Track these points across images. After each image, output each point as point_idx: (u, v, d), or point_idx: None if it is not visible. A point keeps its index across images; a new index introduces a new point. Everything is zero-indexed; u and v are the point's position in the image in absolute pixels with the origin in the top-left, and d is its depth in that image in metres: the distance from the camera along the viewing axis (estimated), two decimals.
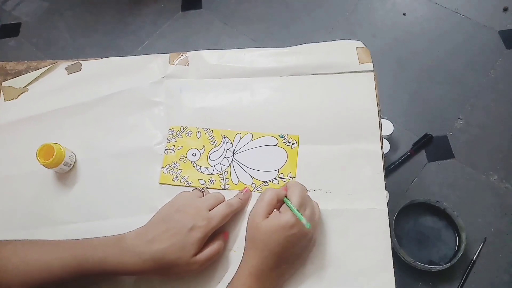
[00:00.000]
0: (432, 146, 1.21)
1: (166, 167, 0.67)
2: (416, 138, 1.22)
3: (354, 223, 0.60)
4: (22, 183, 0.69)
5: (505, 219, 1.09)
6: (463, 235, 1.02)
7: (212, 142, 0.69)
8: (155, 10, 1.63)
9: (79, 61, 0.77)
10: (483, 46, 1.39)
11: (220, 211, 0.55)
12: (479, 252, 1.05)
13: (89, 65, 0.77)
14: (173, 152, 0.68)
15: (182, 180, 0.66)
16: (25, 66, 0.80)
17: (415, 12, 1.50)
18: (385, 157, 1.16)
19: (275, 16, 1.56)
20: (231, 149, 0.68)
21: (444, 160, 1.19)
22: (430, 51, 1.40)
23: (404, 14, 1.49)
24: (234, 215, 0.58)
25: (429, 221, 1.09)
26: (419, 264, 0.99)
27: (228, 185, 0.64)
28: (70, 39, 1.61)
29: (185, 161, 0.68)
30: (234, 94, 0.72)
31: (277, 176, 0.63)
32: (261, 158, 0.66)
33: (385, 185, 0.62)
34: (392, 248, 0.93)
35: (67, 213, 0.66)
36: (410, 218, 1.09)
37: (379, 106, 0.67)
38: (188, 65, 0.74)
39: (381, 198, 0.61)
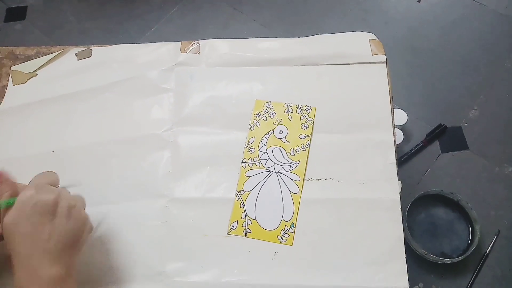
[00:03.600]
0: (445, 137, 1.19)
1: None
2: (430, 128, 1.19)
3: (365, 213, 0.60)
4: (28, 165, 0.67)
5: None
6: (477, 228, 1.01)
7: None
8: None
9: (90, 47, 0.76)
10: (499, 34, 1.36)
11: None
12: (492, 245, 1.03)
13: (99, 52, 0.77)
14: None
15: None
16: (34, 51, 0.79)
17: None
18: (398, 147, 1.14)
19: (286, 1, 1.52)
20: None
21: (457, 151, 1.17)
22: (444, 39, 1.37)
23: (419, 1, 1.45)
24: None
25: (442, 213, 1.08)
26: (431, 256, 0.98)
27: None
28: (76, 22, 1.58)
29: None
30: (245, 83, 0.71)
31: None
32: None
33: (398, 175, 0.61)
34: (404, 240, 0.93)
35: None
36: (422, 209, 1.08)
37: (391, 96, 0.67)
38: (199, 53, 0.73)
39: (393, 187, 0.61)
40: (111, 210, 0.64)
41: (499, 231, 1.05)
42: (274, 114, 0.68)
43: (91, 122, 0.71)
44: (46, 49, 0.79)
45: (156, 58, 0.74)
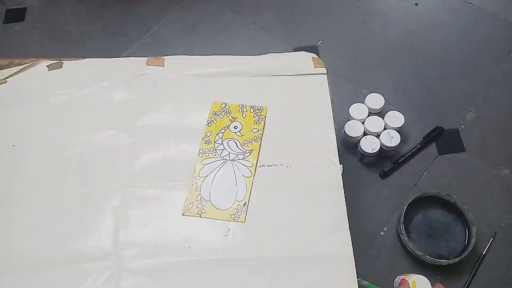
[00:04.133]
0: (442, 139, 1.20)
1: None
2: (427, 131, 1.20)
3: (312, 192, 0.68)
4: None
5: None
6: (473, 230, 1.01)
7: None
8: None
9: (61, 60, 0.83)
10: (497, 37, 1.37)
11: None
12: (489, 247, 1.04)
13: (70, 64, 0.83)
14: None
15: None
16: (7, 61, 0.86)
17: (428, 2, 1.47)
18: (395, 149, 1.14)
19: (284, 4, 1.53)
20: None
21: (454, 153, 1.17)
22: (442, 42, 1.38)
23: (416, 4, 1.46)
24: None
25: (438, 215, 1.08)
26: (428, 258, 0.99)
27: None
28: (76, 24, 1.58)
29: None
30: (204, 90, 0.80)
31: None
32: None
33: (339, 160, 0.73)
34: (402, 241, 0.97)
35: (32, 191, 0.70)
36: (419, 211, 1.08)
37: (332, 99, 0.80)
38: (164, 66, 0.83)
39: (336, 170, 0.70)
40: (68, 193, 0.69)
41: (495, 233, 1.05)
42: (230, 113, 0.77)
43: (57, 125, 0.76)
44: (19, 60, 0.84)
45: (123, 71, 0.82)
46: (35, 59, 0.83)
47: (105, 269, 0.62)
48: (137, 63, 0.83)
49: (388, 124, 1.14)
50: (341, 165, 0.72)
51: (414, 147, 1.17)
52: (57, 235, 0.65)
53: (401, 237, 1.03)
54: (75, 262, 0.63)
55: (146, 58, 0.83)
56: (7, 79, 0.80)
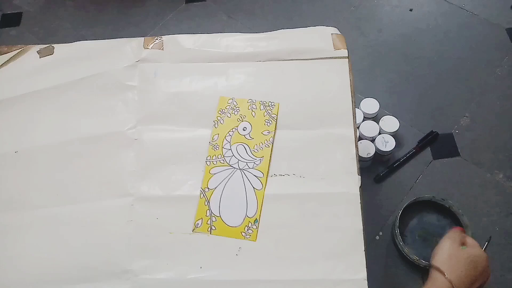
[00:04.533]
0: (437, 144, 1.20)
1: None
2: (422, 135, 1.21)
3: (326, 207, 0.62)
4: None
5: (510, 218, 1.08)
6: (469, 234, 1.01)
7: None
8: (159, 2, 1.61)
9: (52, 45, 0.76)
10: (490, 43, 1.38)
11: None
12: (484, 251, 1.04)
13: (61, 49, 0.76)
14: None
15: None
16: None
17: (422, 8, 1.48)
18: (390, 154, 1.14)
19: (280, 9, 1.54)
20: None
21: (449, 158, 1.18)
22: (436, 47, 1.39)
23: (411, 10, 1.47)
24: None
25: (434, 219, 1.08)
26: (423, 262, 0.99)
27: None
28: (72, 29, 1.59)
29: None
30: (209, 79, 0.72)
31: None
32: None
33: (358, 169, 0.65)
34: (397, 246, 0.95)
35: (37, 197, 0.66)
36: (415, 215, 1.08)
37: (353, 92, 0.69)
38: (162, 49, 0.74)
39: (353, 182, 0.63)
40: (77, 209, 0.65)
41: (490, 237, 1.05)
42: (238, 110, 0.69)
43: (55, 121, 0.71)
44: (7, 48, 0.77)
45: (120, 54, 0.74)
46: (23, 46, 0.77)
47: (118, 285, 0.60)
48: (134, 45, 0.75)
49: (383, 129, 1.14)
50: (359, 176, 0.64)
51: (409, 152, 1.18)
52: (67, 253, 0.63)
53: (396, 241, 1.03)
54: (87, 280, 0.61)
55: (143, 38, 0.75)
56: None
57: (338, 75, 0.70)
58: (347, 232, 0.61)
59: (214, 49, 0.74)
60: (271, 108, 0.69)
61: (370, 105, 1.18)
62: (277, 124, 0.68)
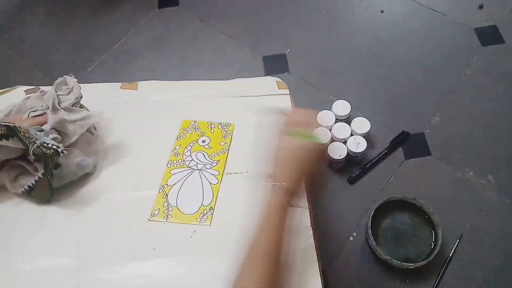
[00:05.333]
0: (409, 143, 1.22)
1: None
2: (394, 136, 1.22)
3: None
4: None
5: (480, 215, 1.10)
6: (439, 232, 1.03)
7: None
8: (131, 7, 1.60)
9: (39, 86, 0.87)
10: (459, 43, 1.40)
11: None
12: (455, 249, 1.05)
13: (46, 89, 0.83)
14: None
15: None
16: None
17: (393, 9, 1.50)
18: (362, 155, 1.15)
19: (253, 13, 1.54)
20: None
21: (420, 157, 1.19)
22: (406, 48, 1.41)
23: (382, 11, 1.49)
24: None
25: (406, 218, 1.10)
26: (395, 262, 0.99)
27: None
28: (43, 36, 1.56)
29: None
30: (176, 110, 0.83)
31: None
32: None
33: None
34: (369, 246, 0.96)
35: None
36: (387, 215, 1.09)
37: None
38: (137, 89, 0.87)
39: None
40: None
41: (461, 234, 1.07)
42: (199, 129, 0.80)
43: None
44: None
45: (98, 93, 0.85)
46: (14, 87, 0.88)
47: (70, 274, 0.63)
48: (111, 87, 0.87)
49: (355, 130, 1.15)
50: None
51: (381, 152, 1.19)
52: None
53: (369, 242, 1.04)
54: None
55: (121, 83, 0.88)
56: None
57: (282, 104, 0.85)
58: (295, 216, 0.64)
59: (182, 94, 0.87)
60: (228, 127, 0.81)
61: (342, 106, 1.19)
62: (232, 138, 0.78)
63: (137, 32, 1.53)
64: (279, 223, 0.55)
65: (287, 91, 0.86)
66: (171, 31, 1.52)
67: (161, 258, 0.64)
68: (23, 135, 0.61)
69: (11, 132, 0.61)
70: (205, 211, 0.68)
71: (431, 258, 1.00)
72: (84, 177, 0.72)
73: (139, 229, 0.67)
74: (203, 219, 0.67)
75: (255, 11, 1.54)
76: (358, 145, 1.13)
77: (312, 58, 1.41)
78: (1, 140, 0.61)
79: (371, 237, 1.02)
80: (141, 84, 0.89)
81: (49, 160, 0.63)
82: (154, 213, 0.68)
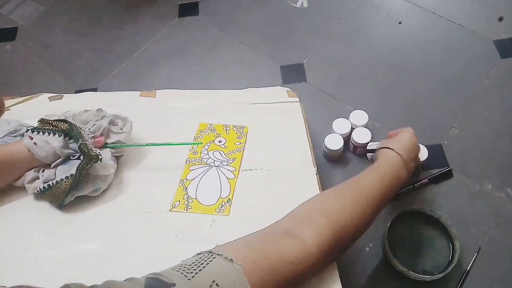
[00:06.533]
0: (427, 155, 1.21)
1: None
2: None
3: (291, 189, 0.76)
4: None
5: (499, 229, 1.08)
6: (457, 245, 1.02)
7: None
8: (152, 15, 1.63)
9: (62, 94, 0.93)
10: (478, 55, 1.40)
11: None
12: (473, 262, 1.04)
13: (69, 97, 0.93)
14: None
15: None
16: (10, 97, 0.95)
17: (411, 20, 1.50)
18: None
19: (271, 22, 1.56)
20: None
21: (438, 169, 1.19)
22: (425, 59, 1.41)
23: (400, 23, 1.50)
24: None
25: (423, 230, 1.09)
26: (412, 274, 0.99)
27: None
28: (66, 43, 1.61)
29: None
30: (191, 113, 0.88)
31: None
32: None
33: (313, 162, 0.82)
34: (385, 257, 0.96)
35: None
36: (404, 226, 1.09)
37: (306, 120, 0.91)
38: (155, 97, 0.92)
39: (310, 169, 0.79)
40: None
41: (479, 247, 1.06)
42: (215, 130, 0.85)
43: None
44: (23, 98, 0.94)
45: (118, 101, 0.91)
46: (39, 94, 0.94)
47: (95, 259, 0.66)
48: (131, 95, 0.92)
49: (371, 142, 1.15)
50: (315, 167, 0.80)
51: (418, 181, 1.16)
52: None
53: (386, 253, 1.03)
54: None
55: (140, 92, 0.93)
56: (10, 108, 0.89)
57: (293, 111, 0.91)
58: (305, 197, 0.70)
59: (197, 101, 0.92)
60: (242, 129, 0.85)
61: (359, 116, 1.19)
62: (247, 139, 0.83)
63: (158, 40, 1.56)
64: (390, 175, 0.74)
65: (297, 99, 0.93)
66: (191, 40, 1.54)
67: (182, 245, 0.67)
68: (76, 131, 0.66)
69: (70, 129, 0.66)
70: (223, 203, 0.72)
71: (448, 271, 0.99)
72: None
73: (160, 219, 0.70)
74: (221, 210, 0.71)
75: (273, 21, 1.56)
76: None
77: (329, 68, 1.42)
78: (59, 136, 0.66)
79: (388, 248, 1.02)
80: (159, 92, 0.93)
81: (87, 160, 0.66)
82: (175, 205, 0.72)
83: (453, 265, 0.99)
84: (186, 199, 0.73)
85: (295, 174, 0.78)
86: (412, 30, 1.48)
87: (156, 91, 0.95)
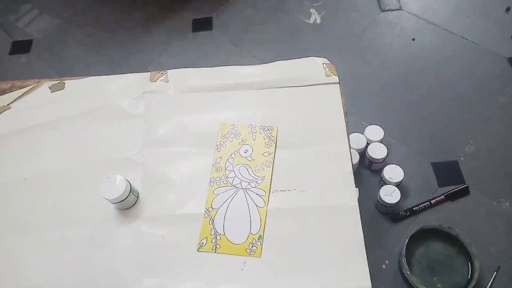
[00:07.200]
0: (442, 171, 1.20)
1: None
2: (426, 163, 1.21)
3: (327, 219, 0.66)
4: (6, 191, 0.71)
5: None
6: (476, 264, 1.00)
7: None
8: (166, 30, 1.65)
9: (63, 80, 0.82)
10: (492, 72, 1.40)
11: None
12: (492, 281, 1.02)
13: (72, 84, 0.82)
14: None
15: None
16: (9, 85, 0.84)
17: (424, 37, 1.51)
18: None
19: (285, 38, 1.57)
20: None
21: (454, 186, 1.17)
22: (439, 76, 1.41)
23: (413, 40, 1.50)
24: None
25: (441, 248, 1.07)
26: None
27: None
28: (80, 56, 1.62)
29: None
30: (211, 107, 0.77)
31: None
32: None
33: (355, 182, 0.68)
34: (404, 275, 0.93)
35: (45, 220, 0.69)
36: (421, 244, 1.07)
37: (345, 113, 0.75)
38: (168, 82, 0.80)
39: (351, 194, 0.67)
40: (83, 231, 0.67)
41: (498, 266, 1.04)
42: (239, 135, 0.74)
43: (63, 149, 0.75)
44: (20, 82, 0.83)
45: (127, 88, 0.80)
46: (37, 80, 0.82)
47: None
48: (140, 79, 0.81)
49: (387, 179, 1.13)
50: (357, 188, 0.68)
51: (435, 198, 1.15)
52: (75, 274, 0.64)
53: (403, 270, 1.01)
54: None
55: (150, 73, 0.81)
56: (11, 105, 0.80)
57: (330, 99, 0.76)
58: (348, 242, 0.63)
59: (214, 80, 0.80)
60: (271, 131, 0.74)
61: (375, 131, 1.19)
62: (276, 145, 0.72)
63: (171, 54, 1.57)
64: None
65: (336, 79, 0.77)
66: (205, 54, 1.55)
67: None
68: None
69: None
70: (254, 241, 0.64)
71: None
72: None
73: (188, 260, 0.64)
74: (252, 250, 0.64)
75: (287, 36, 1.57)
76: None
77: (343, 83, 1.41)
78: None
79: (406, 266, 1.00)
80: (171, 74, 0.81)
81: None
82: (202, 243, 0.65)
83: (472, 284, 0.98)
84: (213, 235, 0.65)
85: (333, 198, 0.67)
86: (426, 47, 1.48)
87: (168, 71, 0.81)
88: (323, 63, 0.80)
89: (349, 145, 0.72)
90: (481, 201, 1.15)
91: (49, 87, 0.82)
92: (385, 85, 1.40)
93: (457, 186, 1.16)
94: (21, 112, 0.80)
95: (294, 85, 0.78)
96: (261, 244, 0.64)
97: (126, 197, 0.65)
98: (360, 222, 0.65)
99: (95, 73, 1.53)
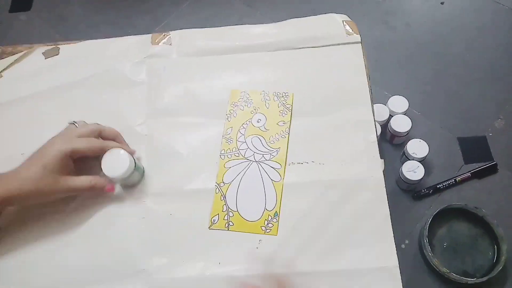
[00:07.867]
0: (469, 147, 1.12)
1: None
2: (452, 138, 1.13)
3: (349, 193, 0.60)
4: (2, 168, 0.66)
5: None
6: (504, 247, 0.94)
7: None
8: None
9: (57, 45, 0.75)
10: None
11: (85, 134, 0.58)
12: None
13: (67, 49, 0.76)
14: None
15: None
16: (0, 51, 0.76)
17: (454, 1, 1.39)
18: (423, 160, 1.07)
19: (302, 0, 1.46)
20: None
21: (482, 163, 1.10)
22: (469, 44, 1.30)
23: (442, 3, 1.39)
24: None
25: (465, 229, 1.01)
26: (454, 275, 0.91)
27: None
28: (84, 16, 1.53)
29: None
30: (219, 72, 0.71)
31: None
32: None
33: (380, 153, 0.61)
34: (425, 257, 0.87)
35: None
36: (444, 224, 1.01)
37: (368, 75, 0.67)
38: (171, 45, 0.72)
39: (376, 166, 0.60)
40: (89, 210, 0.63)
41: None
42: (251, 103, 0.67)
43: (61, 120, 0.68)
44: (12, 48, 0.76)
45: (127, 52, 0.73)
46: (29, 46, 0.76)
47: (134, 285, 0.58)
48: (141, 42, 0.74)
49: (411, 154, 1.05)
50: (382, 159, 0.62)
51: (460, 175, 1.08)
52: (81, 254, 0.61)
53: (425, 252, 0.95)
54: (101, 281, 0.58)
55: (151, 35, 0.73)
56: (2, 73, 0.75)
57: (352, 60, 0.69)
58: (373, 219, 0.58)
59: (223, 42, 0.73)
60: (286, 98, 0.67)
61: (399, 102, 1.10)
62: (292, 113, 0.66)
63: (180, 15, 1.47)
64: None
65: (358, 38, 0.70)
66: (216, 15, 1.45)
67: (228, 274, 0.57)
68: None
69: None
70: (270, 218, 0.60)
71: (493, 274, 0.91)
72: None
73: (199, 238, 0.60)
74: (268, 228, 0.60)
75: None
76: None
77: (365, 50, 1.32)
78: None
79: (428, 247, 0.94)
80: (175, 35, 0.73)
81: None
82: (214, 220, 0.61)
83: (499, 268, 0.92)
84: (225, 212, 0.61)
85: (356, 170, 0.62)
86: (456, 11, 1.37)
87: (171, 32, 0.74)
88: (342, 20, 0.73)
89: (373, 112, 0.65)
90: (510, 180, 1.07)
91: (43, 53, 0.75)
92: (410, 53, 1.30)
93: (485, 164, 1.09)
94: (13, 81, 0.74)
95: (311, 46, 0.71)
96: (277, 221, 0.60)
97: (131, 174, 0.59)
98: (386, 197, 0.59)
99: (98, 34, 1.44)
